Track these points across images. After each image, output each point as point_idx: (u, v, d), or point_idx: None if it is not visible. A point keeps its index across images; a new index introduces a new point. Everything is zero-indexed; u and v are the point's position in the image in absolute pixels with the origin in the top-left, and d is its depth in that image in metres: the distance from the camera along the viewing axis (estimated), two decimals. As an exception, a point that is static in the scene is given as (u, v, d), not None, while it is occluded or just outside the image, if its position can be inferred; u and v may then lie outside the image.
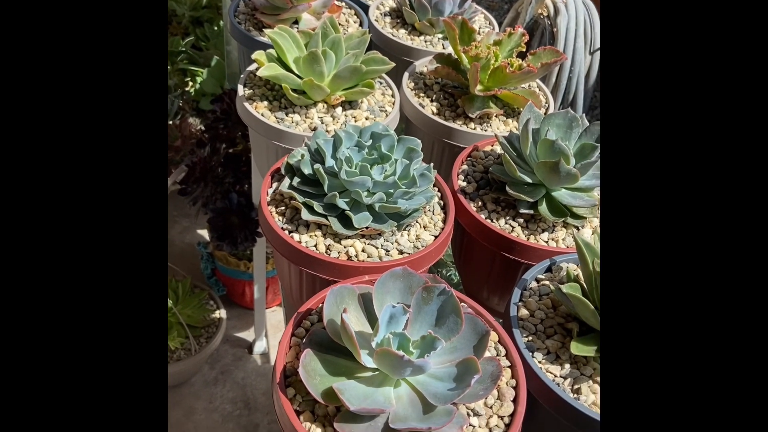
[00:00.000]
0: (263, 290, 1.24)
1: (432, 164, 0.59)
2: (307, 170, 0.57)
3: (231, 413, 1.21)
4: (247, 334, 1.36)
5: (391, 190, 0.55)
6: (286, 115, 0.68)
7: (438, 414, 0.41)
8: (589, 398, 0.46)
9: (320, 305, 0.50)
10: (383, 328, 0.44)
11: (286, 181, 0.57)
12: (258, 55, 0.68)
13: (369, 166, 0.55)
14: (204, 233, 1.53)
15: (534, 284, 0.55)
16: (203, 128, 1.22)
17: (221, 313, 1.29)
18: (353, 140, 0.58)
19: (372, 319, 0.46)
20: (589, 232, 0.60)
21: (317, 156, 0.58)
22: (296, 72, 0.68)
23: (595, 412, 0.45)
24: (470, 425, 0.43)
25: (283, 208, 0.58)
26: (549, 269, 0.56)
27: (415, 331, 0.46)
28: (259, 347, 1.32)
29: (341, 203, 0.55)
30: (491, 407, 0.45)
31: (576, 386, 0.47)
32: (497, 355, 0.48)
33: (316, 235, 0.55)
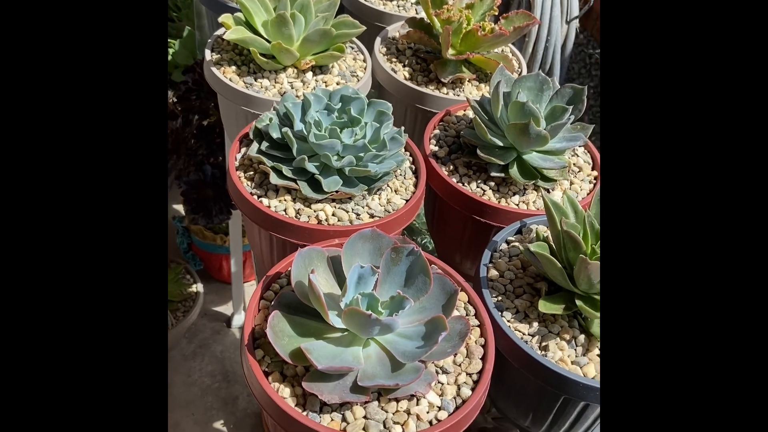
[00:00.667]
0: (240, 264, 1.23)
1: (403, 128, 0.58)
2: (275, 134, 0.56)
3: (210, 386, 1.21)
4: (226, 308, 1.36)
5: (361, 154, 0.55)
6: (255, 80, 0.67)
7: (406, 371, 0.42)
8: (556, 355, 0.47)
9: (290, 269, 0.50)
10: (351, 288, 0.44)
11: (255, 145, 0.56)
12: (225, 18, 0.66)
13: (338, 130, 0.55)
14: (179, 208, 1.51)
15: (504, 246, 0.55)
16: (175, 100, 1.20)
17: (198, 288, 1.28)
18: (322, 103, 0.57)
19: (341, 281, 0.46)
20: (560, 194, 0.60)
21: (286, 120, 0.57)
22: (264, 36, 0.66)
23: (562, 368, 0.46)
24: (439, 382, 0.44)
25: (251, 173, 0.57)
26: (519, 231, 0.57)
27: (384, 291, 0.46)
28: (238, 321, 1.31)
29: (310, 167, 0.54)
30: (460, 365, 0.45)
31: (544, 343, 0.48)
32: (466, 314, 0.49)
33: (285, 200, 0.55)
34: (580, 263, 0.45)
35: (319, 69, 0.69)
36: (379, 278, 0.45)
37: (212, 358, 1.25)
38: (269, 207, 0.54)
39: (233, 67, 0.68)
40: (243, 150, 0.59)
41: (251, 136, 0.58)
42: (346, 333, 0.45)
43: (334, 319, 0.43)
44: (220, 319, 1.33)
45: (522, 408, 0.52)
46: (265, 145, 0.56)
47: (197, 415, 1.16)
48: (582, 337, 0.48)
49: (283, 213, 0.54)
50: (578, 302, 0.47)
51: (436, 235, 0.69)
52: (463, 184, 0.60)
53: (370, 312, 0.40)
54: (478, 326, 0.48)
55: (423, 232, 0.92)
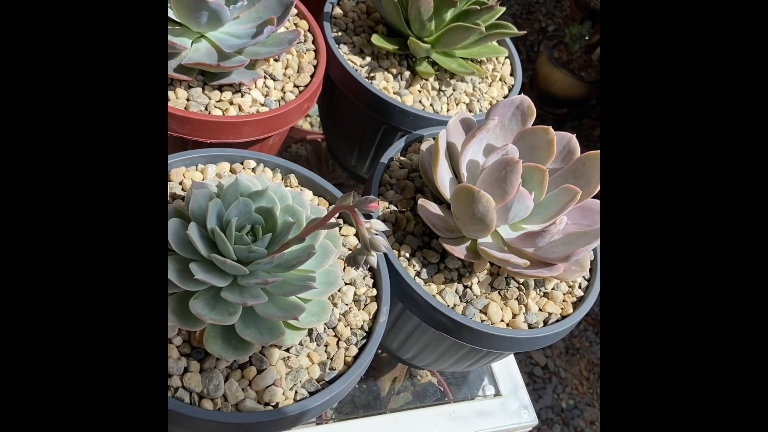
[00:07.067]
0: None
1: None
2: None
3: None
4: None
5: None
6: None
7: (232, 61, 0.44)
8: (381, 84, 0.51)
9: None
10: (185, -20, 0.44)
11: None
12: None
13: None
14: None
15: (353, -7, 0.57)
16: None
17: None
18: None
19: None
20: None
21: None
22: None
23: (384, 93, 0.50)
24: (266, 86, 0.46)
25: None
26: (371, -16, 0.58)
27: (221, -5, 0.46)
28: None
29: None
30: (290, 77, 0.48)
31: (372, 74, 0.51)
32: (305, 41, 0.51)
33: None
34: (412, -8, 0.48)
35: None
36: (217, -20, 0.45)
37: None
38: None
39: None
40: None
41: None
42: (177, 27, 0.45)
43: (165, 9, 0.44)
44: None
45: (349, 142, 0.57)
46: None
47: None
48: (407, 74, 0.52)
49: None
50: (409, 42, 0.51)
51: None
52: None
53: (197, -9, 0.41)
54: (314, 51, 0.50)
55: None
